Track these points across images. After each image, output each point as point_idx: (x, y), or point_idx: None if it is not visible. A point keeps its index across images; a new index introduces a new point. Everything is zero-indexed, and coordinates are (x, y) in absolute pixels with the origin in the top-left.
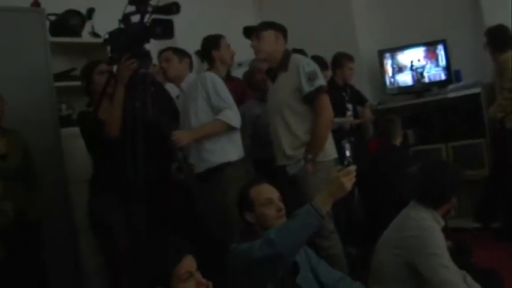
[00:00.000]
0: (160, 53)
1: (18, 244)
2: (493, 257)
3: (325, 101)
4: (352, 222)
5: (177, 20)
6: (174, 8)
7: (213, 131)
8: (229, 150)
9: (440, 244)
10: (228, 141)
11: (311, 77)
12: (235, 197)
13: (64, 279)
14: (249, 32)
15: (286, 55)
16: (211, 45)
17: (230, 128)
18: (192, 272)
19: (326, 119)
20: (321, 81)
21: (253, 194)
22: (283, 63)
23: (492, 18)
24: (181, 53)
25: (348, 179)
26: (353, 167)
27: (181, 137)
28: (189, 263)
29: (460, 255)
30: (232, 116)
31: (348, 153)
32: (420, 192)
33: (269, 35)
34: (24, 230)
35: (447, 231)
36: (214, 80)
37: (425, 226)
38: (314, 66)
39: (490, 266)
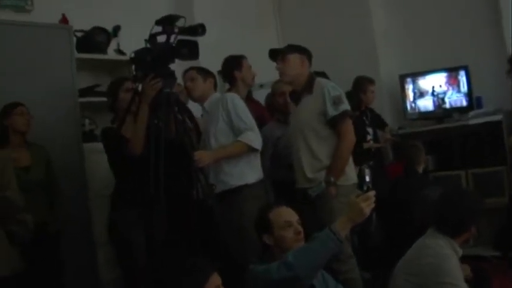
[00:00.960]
0: (185, 72)
1: (38, 257)
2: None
3: (349, 125)
4: (368, 247)
5: (200, 40)
6: (200, 30)
7: (234, 152)
8: (248, 173)
9: (456, 273)
10: (247, 164)
11: (336, 101)
12: (252, 216)
13: None
14: (275, 54)
15: (311, 78)
16: (233, 66)
17: (251, 150)
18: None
19: (349, 143)
20: (346, 105)
21: (273, 216)
22: (308, 86)
23: None
24: (205, 72)
25: (367, 205)
26: (372, 193)
27: (203, 156)
28: (216, 279)
29: (479, 284)
30: (254, 137)
31: (367, 178)
32: (439, 219)
33: (294, 58)
34: (44, 242)
35: (467, 260)
36: (235, 101)
37: (441, 254)
38: (339, 91)
39: None
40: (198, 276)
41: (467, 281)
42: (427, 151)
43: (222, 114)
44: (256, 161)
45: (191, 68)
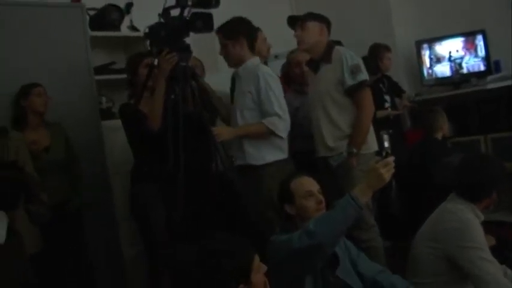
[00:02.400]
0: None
1: (60, 235)
2: None
3: (368, 95)
4: (388, 214)
5: (214, 12)
6: (214, 2)
7: (255, 133)
8: (269, 152)
9: (479, 237)
10: (268, 144)
11: (354, 71)
12: (269, 194)
13: (105, 267)
14: (293, 21)
15: (330, 47)
16: None
17: (273, 134)
18: (260, 263)
19: (369, 113)
20: (364, 75)
21: (294, 186)
22: (326, 55)
23: None
24: (234, 34)
25: (387, 170)
26: (391, 158)
27: (222, 132)
28: (257, 257)
29: (501, 249)
30: (280, 124)
31: (386, 144)
32: (460, 185)
33: (313, 26)
34: (65, 220)
35: (490, 225)
36: (269, 81)
37: (464, 219)
38: (358, 60)
39: None
40: (245, 258)
41: (490, 249)
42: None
43: (251, 89)
44: (279, 142)
45: (218, 32)
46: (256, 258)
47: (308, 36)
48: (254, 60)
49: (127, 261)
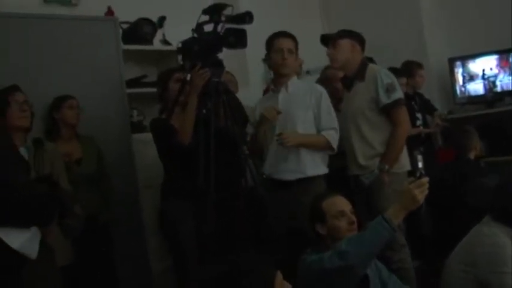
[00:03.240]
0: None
1: (90, 247)
2: None
3: (404, 113)
4: (418, 234)
5: (247, 29)
6: (248, 18)
7: (316, 144)
8: (321, 165)
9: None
10: (322, 157)
11: (389, 89)
12: None
13: (134, 282)
14: (326, 39)
15: (364, 64)
16: None
17: (329, 148)
18: (282, 281)
19: (404, 132)
20: (399, 93)
21: (326, 205)
22: (360, 73)
23: None
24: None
25: (420, 191)
26: (426, 179)
27: (290, 136)
28: (279, 275)
29: None
30: (336, 138)
31: (420, 164)
32: (496, 208)
33: (345, 43)
34: (94, 233)
35: None
36: (328, 98)
37: (499, 243)
38: (392, 78)
39: None
40: (266, 276)
41: None
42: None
43: (311, 104)
44: (326, 157)
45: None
46: (279, 276)
47: (340, 54)
48: (297, 79)
49: (155, 276)
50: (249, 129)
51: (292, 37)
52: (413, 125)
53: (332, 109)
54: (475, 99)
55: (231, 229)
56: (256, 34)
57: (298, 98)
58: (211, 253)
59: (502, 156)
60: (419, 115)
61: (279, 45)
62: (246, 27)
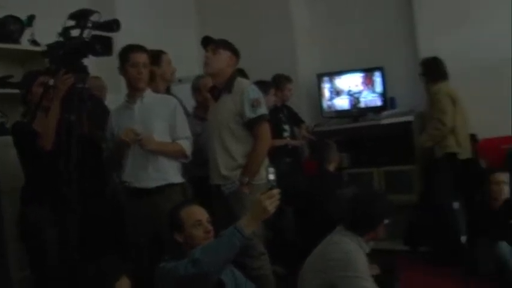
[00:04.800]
0: None
1: None
2: (419, 279)
3: (266, 129)
4: (284, 242)
5: (118, 36)
6: (115, 26)
7: (172, 152)
8: (176, 173)
9: (362, 267)
10: (175, 166)
11: (254, 104)
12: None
13: None
14: (207, 42)
15: (232, 77)
16: (152, 61)
17: (183, 156)
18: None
19: (265, 146)
20: (264, 109)
21: (184, 214)
22: (228, 85)
23: (428, 48)
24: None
25: (271, 202)
26: (276, 191)
27: (149, 141)
28: (124, 283)
29: (386, 278)
30: (189, 147)
31: (271, 177)
32: (348, 217)
33: (225, 54)
34: None
35: (378, 253)
36: (181, 108)
37: (346, 249)
38: (259, 94)
39: None
40: (109, 277)
41: (375, 277)
42: (342, 149)
43: (167, 114)
44: (180, 165)
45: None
46: (124, 281)
47: (216, 62)
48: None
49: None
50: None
51: (146, 51)
52: (280, 136)
53: (185, 119)
54: (341, 114)
55: (92, 237)
56: (133, 41)
57: (154, 109)
58: (72, 261)
59: (364, 168)
60: (286, 127)
61: (135, 60)
62: (122, 34)
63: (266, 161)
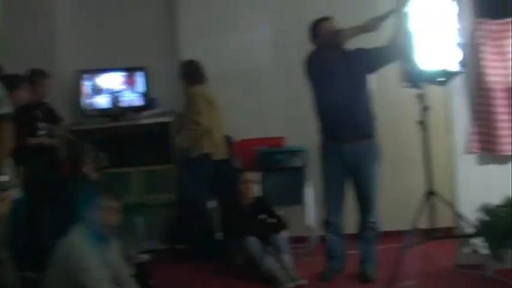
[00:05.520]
0: None
1: None
2: (178, 275)
3: (8, 129)
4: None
5: None
6: None
7: None
8: None
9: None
10: None
11: None
12: None
13: None
14: None
15: None
16: None
17: None
18: None
19: (6, 149)
20: (5, 108)
21: None
22: None
23: (190, 51)
24: None
25: (2, 205)
26: (8, 193)
27: None
28: None
29: (140, 278)
30: None
31: (2, 178)
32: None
33: None
34: None
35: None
36: None
37: (71, 243)
38: (2, 92)
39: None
40: None
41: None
42: (101, 148)
43: None
44: None
45: None
46: None
47: None
48: None
49: None
50: None
51: None
52: (34, 134)
53: None
54: (101, 112)
55: None
56: None
57: None
58: None
59: (123, 168)
60: (42, 125)
61: None
62: None
63: (8, 164)
